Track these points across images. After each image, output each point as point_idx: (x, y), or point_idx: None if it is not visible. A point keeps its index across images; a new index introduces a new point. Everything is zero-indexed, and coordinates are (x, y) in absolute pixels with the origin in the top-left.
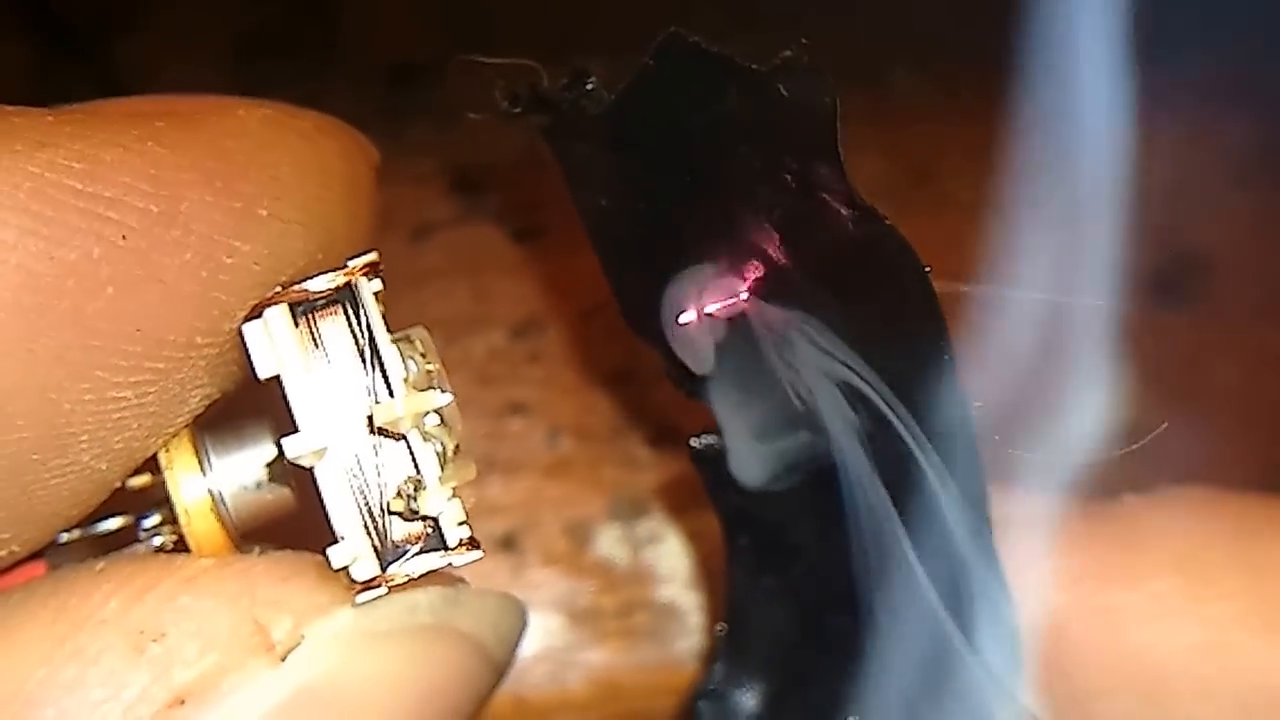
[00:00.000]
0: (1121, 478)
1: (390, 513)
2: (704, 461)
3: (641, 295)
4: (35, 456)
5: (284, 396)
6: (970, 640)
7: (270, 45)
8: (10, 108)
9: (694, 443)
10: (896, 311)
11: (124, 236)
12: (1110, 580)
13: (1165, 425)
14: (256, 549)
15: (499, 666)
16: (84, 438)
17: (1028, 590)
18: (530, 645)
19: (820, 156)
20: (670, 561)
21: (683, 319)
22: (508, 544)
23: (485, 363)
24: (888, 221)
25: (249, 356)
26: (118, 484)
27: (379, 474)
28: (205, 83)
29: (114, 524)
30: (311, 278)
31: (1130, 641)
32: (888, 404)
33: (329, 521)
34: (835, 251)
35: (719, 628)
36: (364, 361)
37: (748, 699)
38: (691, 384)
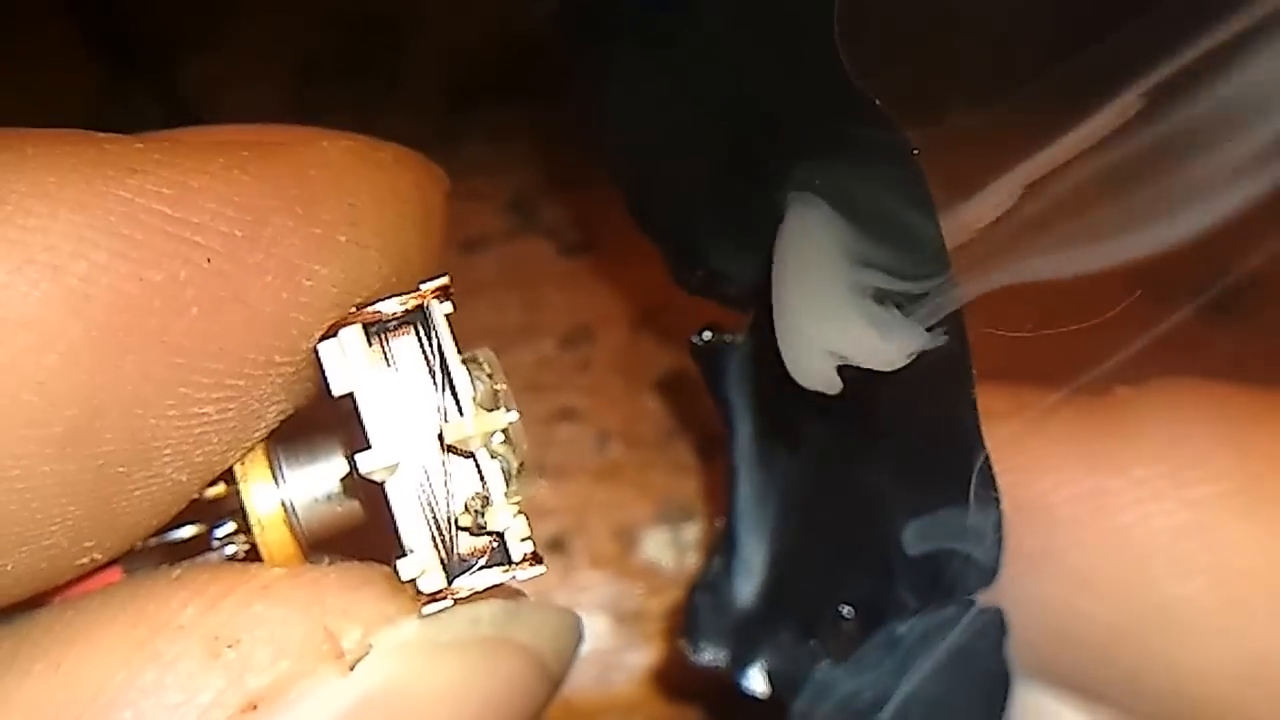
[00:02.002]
0: (1111, 368)
1: (458, 527)
2: (704, 356)
3: (649, 189)
4: (121, 469)
5: (357, 413)
6: (956, 522)
7: (335, 68)
8: (102, 135)
9: (694, 339)
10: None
11: (209, 259)
12: (1098, 465)
13: (1139, 293)
14: (326, 559)
15: (555, 679)
16: (167, 451)
17: (1016, 475)
18: None
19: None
20: None
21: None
22: (557, 546)
23: (535, 371)
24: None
25: (324, 374)
26: (196, 495)
27: (447, 490)
28: (270, 103)
29: (188, 532)
30: (385, 299)
31: (1116, 523)
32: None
33: (398, 535)
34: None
35: (717, 522)
36: (434, 381)
37: (743, 590)
38: (695, 281)
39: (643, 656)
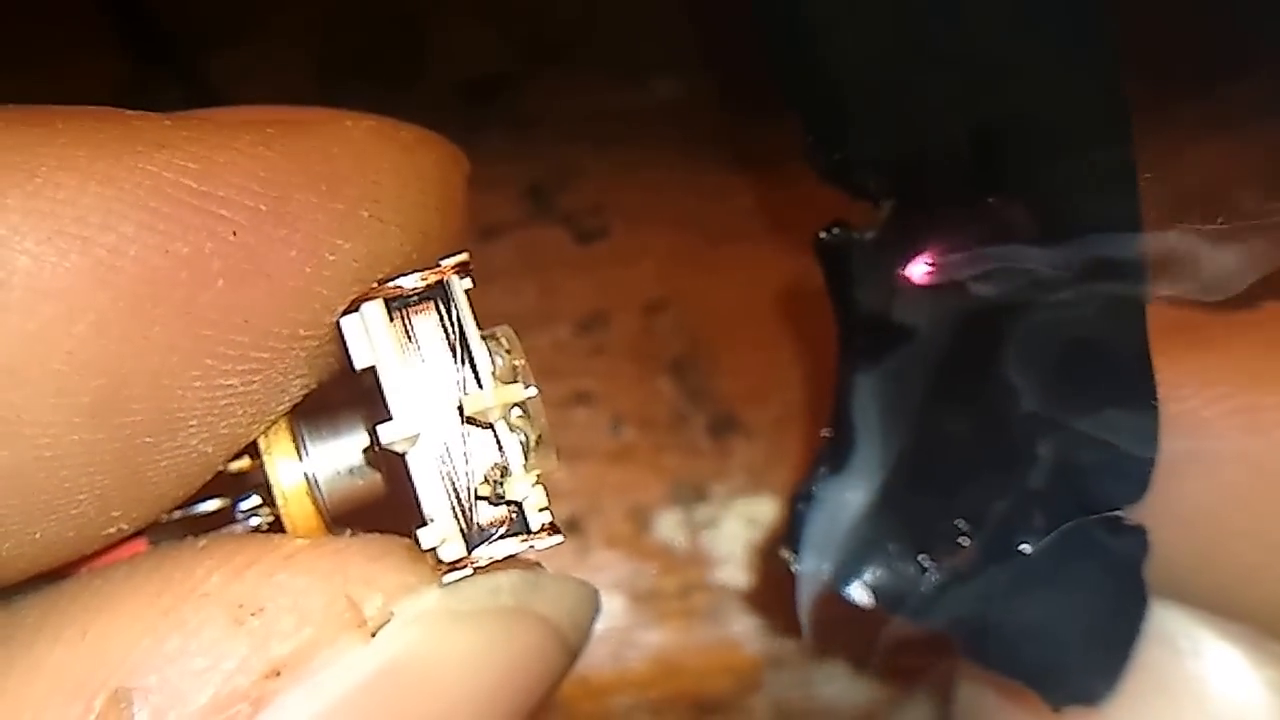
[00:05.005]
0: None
1: (477, 498)
2: (829, 253)
3: (808, 60)
4: (148, 439)
5: (378, 386)
6: (1111, 429)
7: (355, 62)
8: (132, 112)
9: (821, 234)
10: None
11: (234, 233)
12: (1252, 382)
13: None
14: (347, 531)
15: (573, 650)
16: (193, 422)
17: (1168, 388)
18: None
19: None
20: (728, 545)
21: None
22: (572, 527)
23: (551, 355)
24: None
25: (346, 348)
26: (221, 467)
27: (467, 461)
28: (293, 96)
29: (212, 505)
30: (406, 275)
31: (1271, 440)
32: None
33: (419, 505)
34: None
35: (824, 432)
36: (454, 355)
37: (851, 501)
38: (829, 164)
39: (657, 635)
